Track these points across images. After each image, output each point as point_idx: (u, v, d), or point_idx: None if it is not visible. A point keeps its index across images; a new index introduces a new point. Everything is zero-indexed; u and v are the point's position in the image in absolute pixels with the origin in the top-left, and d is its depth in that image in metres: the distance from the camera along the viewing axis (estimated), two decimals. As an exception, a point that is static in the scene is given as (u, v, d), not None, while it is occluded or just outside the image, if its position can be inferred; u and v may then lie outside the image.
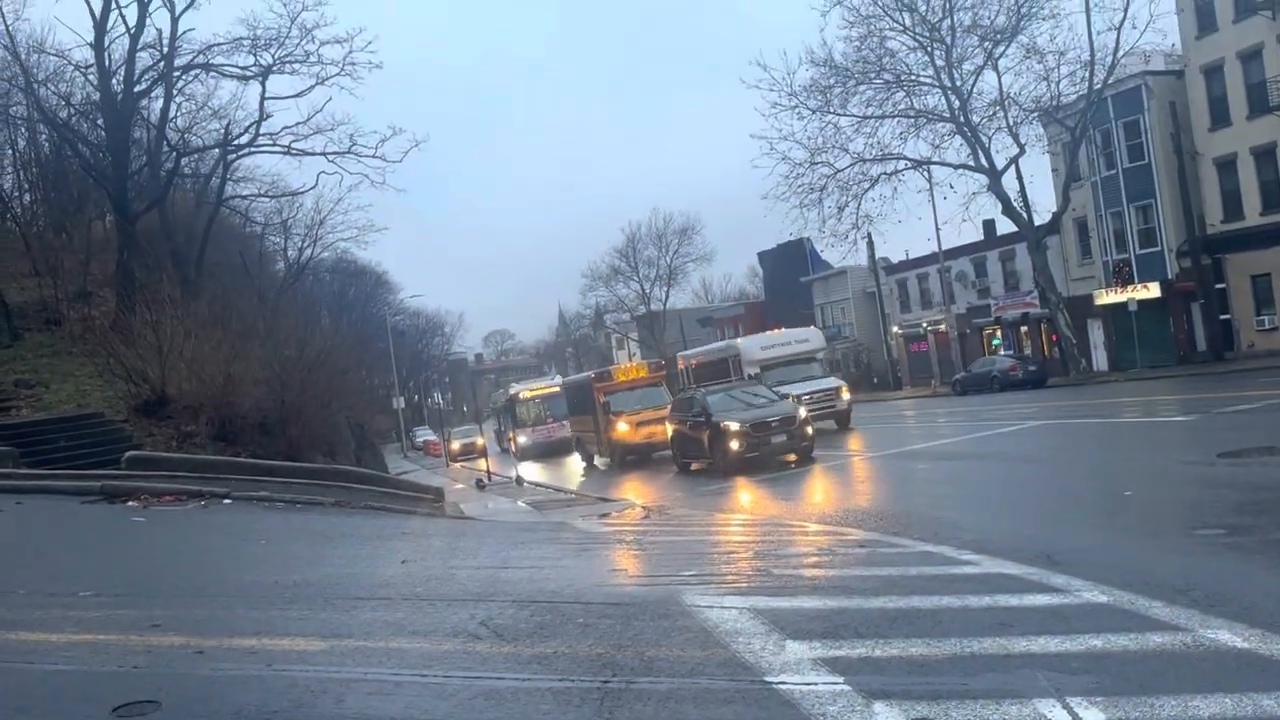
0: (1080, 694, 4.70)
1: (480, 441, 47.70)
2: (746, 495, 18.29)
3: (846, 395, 29.95)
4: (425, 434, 79.72)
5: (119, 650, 6.04)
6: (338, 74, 32.11)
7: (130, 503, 14.32)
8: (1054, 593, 7.05)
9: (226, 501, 14.81)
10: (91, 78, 30.64)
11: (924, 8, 42.21)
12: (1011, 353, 50.44)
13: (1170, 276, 41.76)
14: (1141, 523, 10.32)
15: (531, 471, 34.03)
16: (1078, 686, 4.82)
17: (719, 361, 34.41)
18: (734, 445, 21.18)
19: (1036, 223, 43.77)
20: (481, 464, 36.80)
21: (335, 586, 8.69)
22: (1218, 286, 40.23)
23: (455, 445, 56.13)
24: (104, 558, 10.78)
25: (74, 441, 18.65)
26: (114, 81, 30.03)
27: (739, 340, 34.61)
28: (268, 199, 43.96)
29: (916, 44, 42.95)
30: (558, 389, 42.96)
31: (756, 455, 21.24)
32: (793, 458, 21.39)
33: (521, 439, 45.19)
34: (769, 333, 35.79)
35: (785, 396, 25.64)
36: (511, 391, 49.87)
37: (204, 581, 9.03)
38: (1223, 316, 40.15)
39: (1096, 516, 10.93)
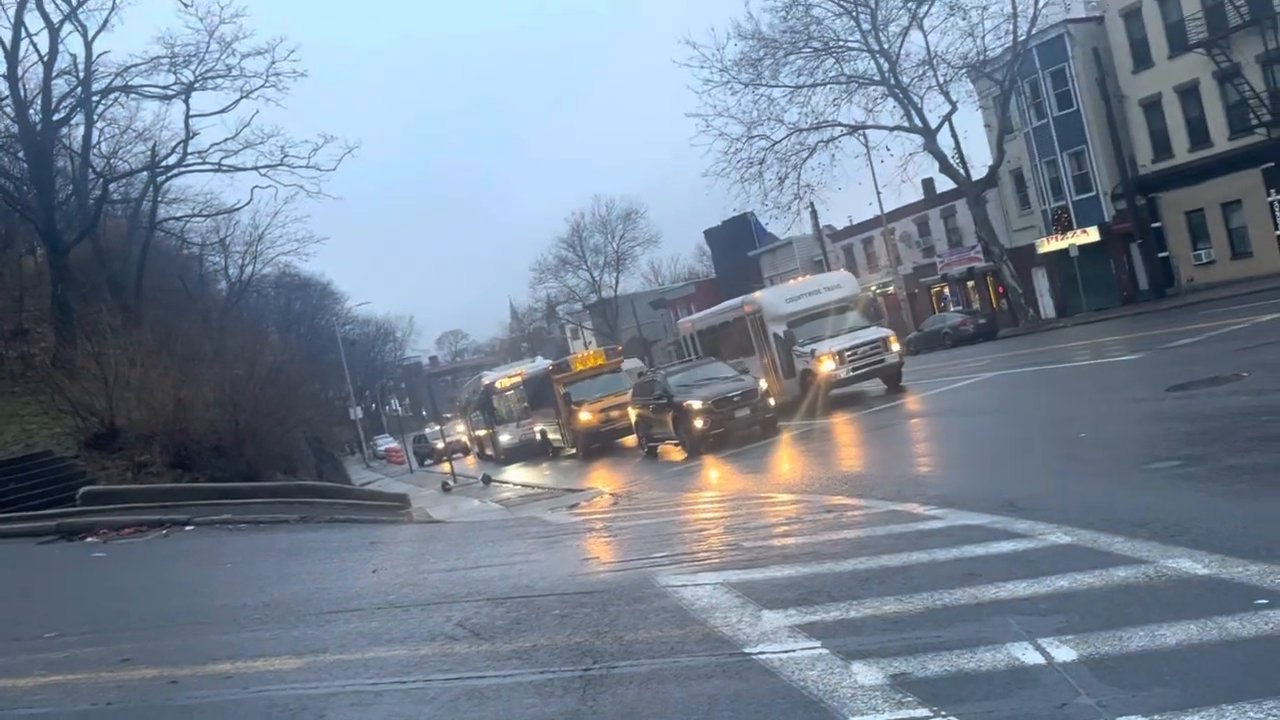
0: (1051, 634, 4.79)
1: (443, 444, 45.89)
2: (714, 472, 18.38)
3: (896, 347, 25.09)
4: (387, 442, 78.96)
5: (90, 688, 5.93)
6: (262, 86, 31.56)
7: (89, 539, 14.04)
8: (1019, 539, 7.16)
9: (189, 528, 14.59)
10: (7, 109, 29.83)
11: (846, -28, 42.40)
12: (960, 308, 51.08)
13: (1108, 219, 42.50)
14: (1098, 462, 10.53)
15: (500, 470, 33.86)
16: (1048, 627, 4.91)
17: (733, 323, 28.83)
18: (698, 424, 21.27)
19: (974, 177, 44.29)
20: (445, 466, 36.51)
21: (306, 602, 8.60)
22: (1154, 225, 41.03)
23: (440, 444, 49.24)
24: (66, 597, 10.57)
25: (25, 483, 18.20)
26: (31, 111, 29.26)
27: (758, 294, 28.78)
28: (203, 218, 43.08)
29: (841, 9, 43.10)
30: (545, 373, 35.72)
31: (721, 431, 21.35)
32: (757, 431, 21.47)
33: (504, 438, 38.96)
34: (793, 282, 30.01)
35: (812, 353, 24.22)
36: (485, 381, 42.19)
37: (172, 610, 8.89)
38: (1161, 254, 40.99)
39: (1054, 461, 11.13)
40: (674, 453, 22.66)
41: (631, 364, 39.14)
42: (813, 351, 24.48)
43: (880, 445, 16.93)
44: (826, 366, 24.03)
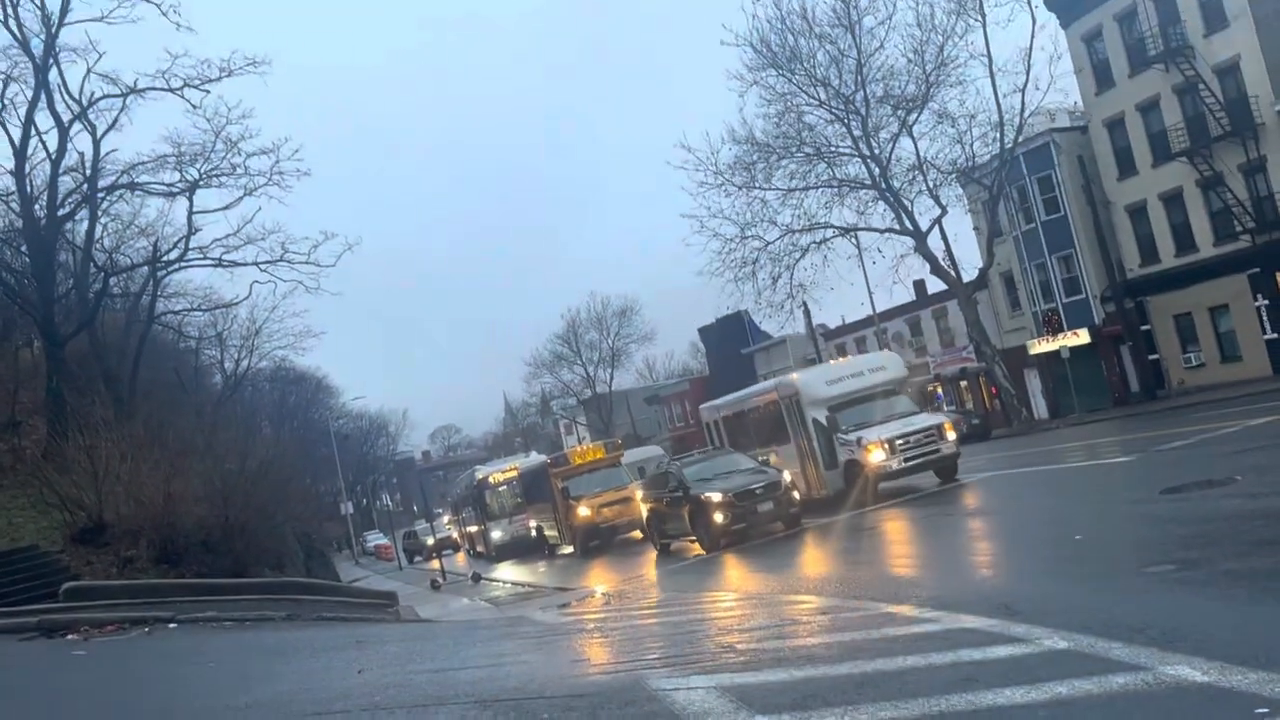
0: (1050, 743, 4.69)
1: (434, 540, 45.63)
2: (720, 571, 18.07)
3: (952, 435, 22.54)
4: (376, 538, 78.02)
5: (62, 794, 5.75)
6: (266, 184, 32.12)
7: (70, 636, 13.75)
8: (1015, 643, 7.06)
9: (172, 626, 14.30)
10: (13, 204, 30.29)
11: (837, 82, 43.72)
12: (953, 407, 51.22)
13: (1097, 322, 43.01)
14: (1094, 565, 10.43)
15: (491, 568, 33.40)
16: (1047, 735, 4.81)
17: (764, 408, 26.28)
18: (718, 518, 20.04)
19: (965, 279, 44.95)
20: (435, 563, 36.02)
21: (290, 704, 8.39)
22: (1144, 328, 41.52)
23: (431, 540, 47.83)
24: (43, 696, 10.30)
25: (8, 578, 17.93)
26: (36, 207, 29.72)
27: (795, 376, 26.41)
28: (201, 313, 43.51)
29: (833, 116, 44.34)
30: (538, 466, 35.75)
31: (744, 526, 20.28)
32: (780, 527, 20.59)
33: (496, 534, 38.41)
34: (834, 363, 27.51)
35: (859, 442, 21.88)
36: (478, 476, 41.40)
37: (150, 711, 8.66)
38: (1151, 357, 41.37)
39: (1050, 563, 11.03)
40: (688, 549, 21.82)
41: (652, 451, 38.86)
42: (859, 440, 22.07)
43: (874, 546, 16.74)
44: (876, 456, 21.67)
